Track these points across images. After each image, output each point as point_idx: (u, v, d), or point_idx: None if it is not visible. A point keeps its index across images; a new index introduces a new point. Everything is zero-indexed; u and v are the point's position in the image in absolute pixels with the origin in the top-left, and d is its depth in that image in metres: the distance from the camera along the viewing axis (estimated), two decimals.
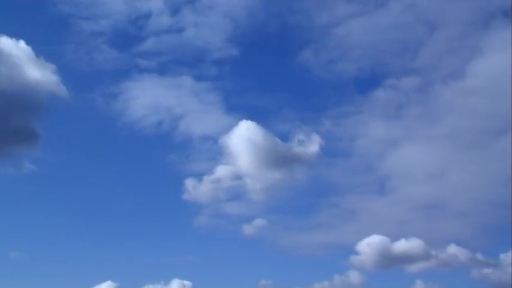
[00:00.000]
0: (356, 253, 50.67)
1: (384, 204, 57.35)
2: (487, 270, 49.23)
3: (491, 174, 54.85)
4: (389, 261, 50.36)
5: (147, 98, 62.89)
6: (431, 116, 61.02)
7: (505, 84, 54.91)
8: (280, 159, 56.48)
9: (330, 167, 60.53)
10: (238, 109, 65.19)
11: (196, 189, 56.67)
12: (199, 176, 57.14)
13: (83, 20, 61.90)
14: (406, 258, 49.82)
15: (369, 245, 49.80)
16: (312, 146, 57.15)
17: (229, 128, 58.29)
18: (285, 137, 59.08)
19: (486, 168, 55.67)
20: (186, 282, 49.10)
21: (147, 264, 53.62)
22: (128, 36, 63.51)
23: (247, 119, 56.54)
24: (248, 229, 55.25)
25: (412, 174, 58.86)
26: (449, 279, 51.16)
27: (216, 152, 58.01)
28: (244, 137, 54.36)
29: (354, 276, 50.72)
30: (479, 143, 57.70)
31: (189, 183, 56.62)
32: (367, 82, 63.32)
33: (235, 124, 55.90)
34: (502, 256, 49.03)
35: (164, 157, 62.30)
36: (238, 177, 56.53)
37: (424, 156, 58.84)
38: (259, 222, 55.13)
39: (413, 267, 50.57)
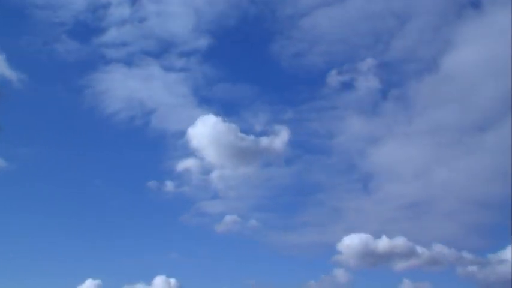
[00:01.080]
0: (339, 252, 50.19)
1: (369, 203, 56.43)
2: (472, 268, 48.64)
3: (476, 171, 53.97)
4: (374, 260, 49.85)
5: (117, 91, 61.03)
6: (409, 112, 59.49)
7: (482, 77, 55.16)
8: (251, 154, 56.00)
9: (309, 164, 59.32)
10: (210, 102, 61.75)
11: (171, 187, 56.01)
12: (169, 174, 56.84)
13: (40, 10, 60.05)
14: (392, 257, 49.34)
15: (351, 243, 49.30)
16: (284, 140, 56.82)
17: (201, 122, 56.43)
18: (257, 132, 57.88)
19: (470, 166, 54.78)
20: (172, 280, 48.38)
21: (130, 262, 52.73)
22: (89, 27, 61.64)
23: (218, 112, 56.98)
24: (223, 226, 54.38)
25: (395, 172, 57.61)
26: (437, 277, 50.39)
27: (188, 148, 56.39)
28: (211, 132, 54.35)
29: (340, 275, 50.38)
30: (461, 139, 56.29)
31: (161, 181, 55.93)
32: (337, 76, 59.85)
33: (207, 118, 55.54)
34: (489, 254, 48.38)
35: (137, 153, 61.82)
36: (214, 173, 56.26)
37: (405, 154, 57.60)
38: (235, 219, 54.36)
39: (400, 266, 49.82)
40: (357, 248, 49.08)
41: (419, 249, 49.41)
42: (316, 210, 57.11)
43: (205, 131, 54.54)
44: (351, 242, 49.29)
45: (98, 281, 46.59)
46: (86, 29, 61.66)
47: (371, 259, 49.75)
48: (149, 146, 61.41)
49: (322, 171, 59.13)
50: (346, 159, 59.16)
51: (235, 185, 57.14)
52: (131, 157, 61.55)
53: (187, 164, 56.16)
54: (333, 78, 59.44)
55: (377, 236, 50.08)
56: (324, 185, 58.51)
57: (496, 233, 50.98)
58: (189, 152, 56.06)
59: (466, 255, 48.87)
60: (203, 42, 61.68)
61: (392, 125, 59.34)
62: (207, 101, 61.39)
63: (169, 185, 55.83)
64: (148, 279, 47.74)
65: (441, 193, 54.09)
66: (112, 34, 60.22)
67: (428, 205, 54.47)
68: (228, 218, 54.07)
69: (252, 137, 55.98)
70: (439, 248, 49.58)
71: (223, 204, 56.76)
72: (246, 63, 65.67)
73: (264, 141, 56.43)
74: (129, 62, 61.25)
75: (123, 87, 61.62)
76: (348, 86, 59.98)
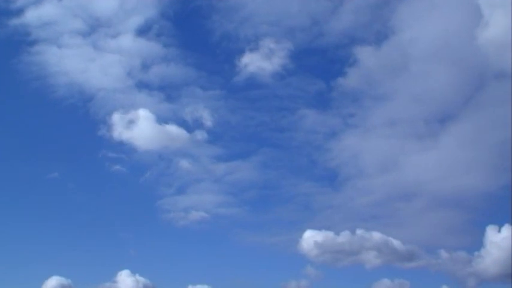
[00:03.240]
0: (308, 250, 49.19)
1: (338, 199, 55.49)
2: (450, 266, 47.71)
3: (446, 164, 52.63)
4: (345, 257, 49.09)
5: (50, 72, 58.38)
6: (365, 103, 57.87)
7: (442, 68, 54.18)
8: None
9: (267, 158, 58.09)
10: (149, 85, 59.44)
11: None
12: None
13: None
14: (365, 253, 48.42)
15: (319, 240, 48.54)
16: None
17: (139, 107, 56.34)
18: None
19: (437, 159, 53.08)
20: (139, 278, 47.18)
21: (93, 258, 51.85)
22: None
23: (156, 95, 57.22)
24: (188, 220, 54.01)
25: (362, 166, 56.19)
26: (413, 274, 49.42)
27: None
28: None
29: (310, 273, 49.44)
30: (426, 132, 54.94)
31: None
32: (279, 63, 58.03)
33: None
34: (460, 252, 47.56)
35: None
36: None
37: (370, 148, 56.37)
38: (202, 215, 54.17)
39: (374, 262, 48.92)
40: (327, 245, 48.59)
41: (394, 245, 48.49)
42: (284, 207, 56.02)
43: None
44: (319, 239, 48.63)
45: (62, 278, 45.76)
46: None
47: (342, 256, 49.11)
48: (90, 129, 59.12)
49: (282, 167, 58.11)
50: (306, 154, 58.15)
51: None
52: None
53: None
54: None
55: (349, 231, 49.46)
56: (287, 180, 57.39)
57: (471, 228, 50.18)
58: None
59: (443, 252, 48.11)
60: (135, 20, 59.74)
61: (350, 118, 57.84)
62: (145, 85, 59.50)
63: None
64: (112, 276, 47.10)
65: (412, 189, 52.99)
66: (32, 14, 57.56)
67: (399, 200, 53.54)
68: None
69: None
70: (414, 245, 48.95)
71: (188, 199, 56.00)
72: (182, 42, 62.34)
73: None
74: (58, 43, 59.09)
75: (56, 69, 59.03)
76: (292, 75, 59.05)
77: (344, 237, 48.99)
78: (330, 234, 49.21)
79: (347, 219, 53.56)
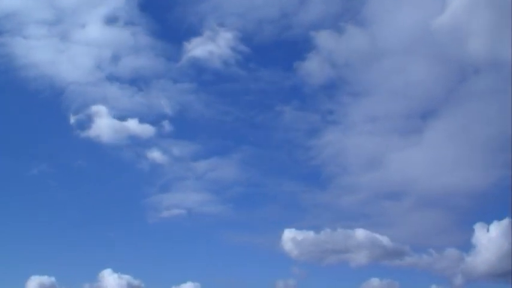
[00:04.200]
0: (292, 248, 48.16)
1: (324, 197, 54.01)
2: (439, 264, 47.20)
3: (432, 161, 51.71)
4: (332, 255, 48.26)
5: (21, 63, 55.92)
6: (342, 99, 56.58)
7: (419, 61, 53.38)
8: None
9: (247, 155, 56.68)
10: (119, 78, 56.98)
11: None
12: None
13: None
14: (353, 251, 47.62)
15: (305, 239, 47.87)
16: None
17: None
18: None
19: (425, 155, 52.07)
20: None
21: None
22: None
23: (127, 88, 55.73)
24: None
25: (345, 163, 54.96)
26: (401, 274, 48.95)
27: None
28: None
29: (296, 272, 48.58)
30: (409, 128, 54.09)
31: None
32: (248, 55, 57.07)
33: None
34: (449, 250, 46.71)
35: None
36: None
37: (352, 145, 55.23)
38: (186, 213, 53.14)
39: (363, 262, 48.02)
40: (312, 243, 47.93)
41: (384, 243, 47.68)
42: (269, 206, 54.76)
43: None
44: (303, 238, 47.89)
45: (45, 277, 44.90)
46: None
47: (329, 254, 48.25)
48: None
49: (263, 164, 56.95)
50: (286, 151, 57.02)
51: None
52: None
53: None
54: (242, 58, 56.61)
55: (337, 230, 48.72)
56: (270, 178, 56.14)
57: (460, 226, 49.72)
58: None
59: (432, 251, 47.36)
60: (102, 9, 57.60)
61: (325, 114, 56.53)
62: (116, 78, 57.63)
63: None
64: (96, 274, 46.23)
65: (399, 187, 52.21)
66: None
67: (385, 199, 52.63)
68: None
69: None
70: (402, 243, 48.04)
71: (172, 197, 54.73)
72: (151, 31, 59.91)
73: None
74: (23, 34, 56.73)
75: (25, 62, 56.42)
76: (263, 67, 57.89)
77: (330, 235, 48.32)
78: (315, 233, 48.51)
79: (334, 218, 52.48)
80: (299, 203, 54.46)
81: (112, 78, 57.34)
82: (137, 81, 57.81)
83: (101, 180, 56.73)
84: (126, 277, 45.81)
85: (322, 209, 53.64)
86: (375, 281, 45.92)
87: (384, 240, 47.60)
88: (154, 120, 55.94)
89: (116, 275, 45.73)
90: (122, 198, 55.90)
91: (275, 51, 59.20)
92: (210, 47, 57.20)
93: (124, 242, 52.77)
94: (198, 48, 57.19)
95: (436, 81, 53.15)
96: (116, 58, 57.87)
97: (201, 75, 58.68)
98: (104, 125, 54.59)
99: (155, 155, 55.28)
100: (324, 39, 55.75)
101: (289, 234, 48.18)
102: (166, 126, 56.01)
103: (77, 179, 56.46)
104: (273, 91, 58.77)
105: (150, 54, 58.70)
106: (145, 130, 55.44)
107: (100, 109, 54.90)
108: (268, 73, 58.49)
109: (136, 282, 45.98)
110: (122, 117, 55.31)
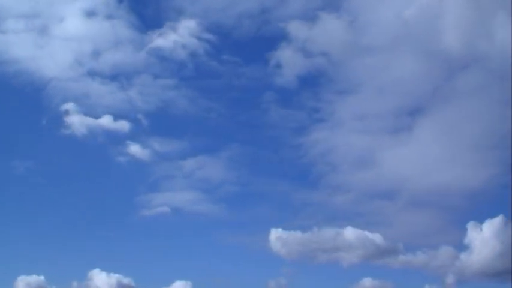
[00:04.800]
0: (283, 248, 47.83)
1: (314, 196, 53.44)
2: (433, 264, 47.02)
3: (423, 160, 51.37)
4: (323, 254, 47.95)
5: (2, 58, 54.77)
6: (327, 97, 55.97)
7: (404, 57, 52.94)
8: None
9: (235, 154, 55.93)
10: (101, 74, 55.94)
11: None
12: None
13: None
14: (344, 251, 47.36)
15: (294, 239, 47.59)
16: None
17: None
18: None
19: (416, 154, 51.88)
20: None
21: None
22: None
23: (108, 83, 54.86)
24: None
25: (335, 162, 54.24)
26: (394, 273, 48.70)
27: None
28: None
29: (286, 272, 48.06)
30: (398, 126, 53.65)
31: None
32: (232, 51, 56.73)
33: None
34: (442, 250, 46.44)
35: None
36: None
37: (341, 144, 54.73)
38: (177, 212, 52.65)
39: (355, 261, 47.88)
40: (305, 243, 47.58)
41: (377, 242, 47.33)
42: (260, 205, 54.13)
43: None
44: (293, 237, 47.60)
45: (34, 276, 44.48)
46: None
47: (321, 254, 47.93)
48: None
49: (252, 163, 56.16)
50: (275, 149, 56.42)
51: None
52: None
53: None
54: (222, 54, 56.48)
55: (329, 229, 48.38)
56: (259, 177, 55.55)
57: (453, 226, 49.42)
58: None
59: (423, 250, 47.04)
60: (80, 3, 56.52)
61: (311, 113, 56.02)
62: (97, 73, 56.49)
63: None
64: (86, 273, 45.68)
65: (390, 186, 51.86)
66: None
67: (377, 198, 52.30)
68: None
69: None
70: (395, 243, 47.69)
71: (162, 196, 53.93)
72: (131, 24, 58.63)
73: None
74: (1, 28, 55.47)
75: (5, 57, 55.16)
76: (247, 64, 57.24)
77: (317, 234, 48.03)
78: (302, 232, 48.24)
79: (325, 217, 51.96)
80: (289, 202, 54.09)
81: (93, 74, 56.33)
82: (118, 77, 56.87)
83: (90, 178, 55.95)
84: (116, 276, 45.54)
85: (313, 208, 53.22)
86: (367, 280, 45.69)
87: (377, 239, 47.41)
88: (134, 117, 55.44)
89: (105, 274, 45.47)
90: (112, 196, 55.42)
91: (255, 46, 58.52)
92: (174, 37, 56.60)
93: (114, 240, 52.18)
94: (163, 39, 56.73)
95: (421, 78, 52.94)
96: (96, 53, 56.82)
97: (182, 70, 57.83)
98: (83, 122, 53.83)
99: (143, 152, 54.51)
100: (296, 28, 54.76)
101: (275, 234, 47.87)
102: (149, 123, 55.76)
103: (64, 177, 55.56)
104: (255, 88, 58.03)
105: (130, 48, 57.77)
106: (125, 127, 54.98)
107: (82, 105, 54.33)
108: (249, 69, 57.78)
109: (126, 280, 45.64)
110: (103, 114, 54.65)
